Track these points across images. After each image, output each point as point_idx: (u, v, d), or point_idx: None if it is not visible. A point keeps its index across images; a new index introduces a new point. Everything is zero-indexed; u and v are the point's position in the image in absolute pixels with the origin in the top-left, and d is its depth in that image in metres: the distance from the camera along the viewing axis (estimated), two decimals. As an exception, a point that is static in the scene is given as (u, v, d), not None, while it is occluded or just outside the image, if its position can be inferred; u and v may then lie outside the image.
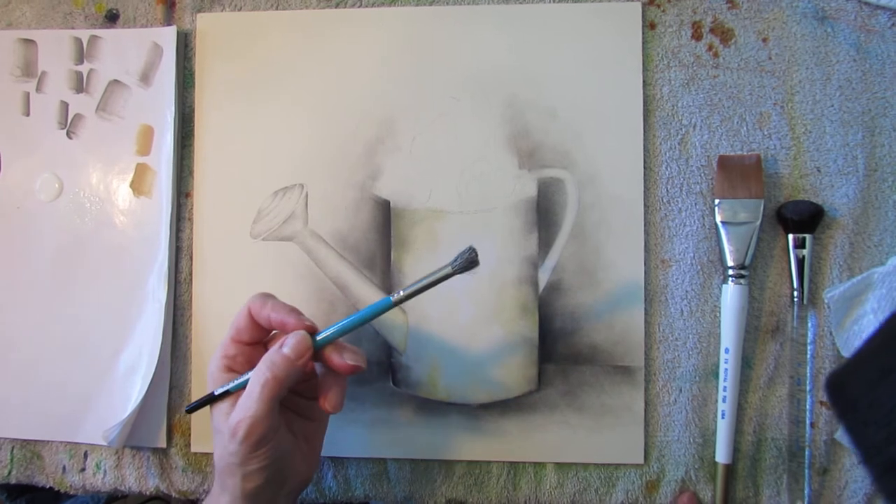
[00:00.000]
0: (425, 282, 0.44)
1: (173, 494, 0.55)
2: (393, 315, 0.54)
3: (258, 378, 0.42)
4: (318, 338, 0.44)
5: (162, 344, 0.53)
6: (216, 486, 0.45)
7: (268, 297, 0.45)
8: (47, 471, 0.56)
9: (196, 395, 0.54)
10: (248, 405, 0.41)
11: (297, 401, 0.47)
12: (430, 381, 0.53)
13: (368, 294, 0.54)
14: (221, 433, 0.43)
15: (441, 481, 0.53)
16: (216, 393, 0.44)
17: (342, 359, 0.43)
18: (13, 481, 0.56)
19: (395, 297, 0.44)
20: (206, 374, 0.55)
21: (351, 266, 0.54)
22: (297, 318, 0.44)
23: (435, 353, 0.53)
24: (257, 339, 0.46)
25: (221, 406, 0.44)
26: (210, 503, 0.46)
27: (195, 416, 0.54)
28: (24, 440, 0.56)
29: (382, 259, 0.54)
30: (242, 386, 0.43)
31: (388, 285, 0.54)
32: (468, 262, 0.44)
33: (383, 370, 0.54)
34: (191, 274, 0.55)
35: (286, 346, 0.42)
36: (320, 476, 0.54)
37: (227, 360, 0.45)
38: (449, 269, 0.44)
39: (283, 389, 0.42)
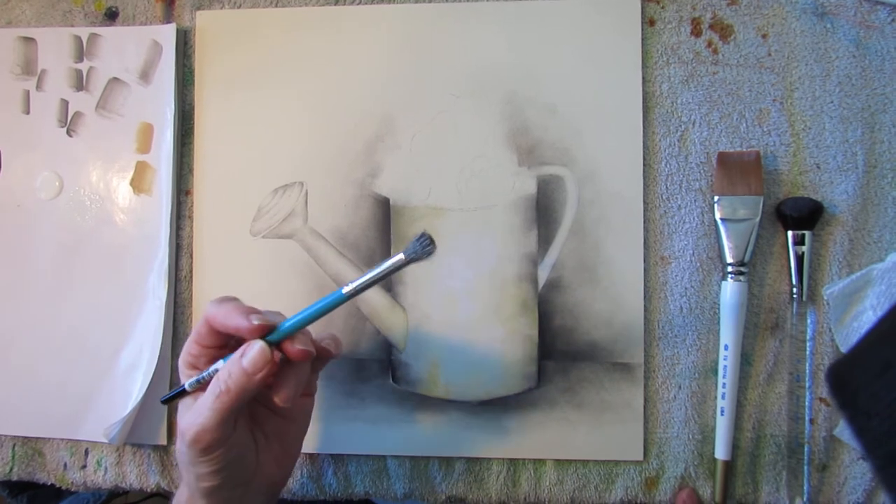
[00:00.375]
0: (378, 272, 0.41)
1: (174, 491, 0.55)
2: (392, 313, 0.54)
3: (214, 388, 0.40)
4: (270, 338, 0.42)
5: (162, 342, 0.54)
6: (182, 478, 0.45)
7: (223, 302, 0.42)
8: (48, 468, 0.56)
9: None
10: (200, 412, 0.40)
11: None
12: (430, 379, 0.53)
13: (368, 291, 0.54)
14: None
15: (441, 478, 0.53)
16: (186, 387, 0.43)
17: (292, 346, 0.41)
18: (15, 478, 0.56)
19: (346, 289, 0.42)
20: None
21: (351, 263, 0.54)
22: (248, 321, 0.41)
23: (435, 350, 0.53)
24: (218, 343, 0.44)
25: (186, 400, 0.44)
26: (179, 493, 0.46)
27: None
28: (26, 437, 0.56)
29: (382, 256, 0.54)
30: (208, 380, 0.42)
31: (387, 282, 0.54)
32: (423, 249, 0.41)
33: (383, 368, 0.54)
34: (191, 272, 0.55)
35: (245, 358, 0.40)
36: (320, 473, 0.54)
37: (192, 359, 0.44)
38: (402, 257, 0.41)
39: (237, 402, 0.40)
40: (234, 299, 0.43)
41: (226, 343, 0.44)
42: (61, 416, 0.55)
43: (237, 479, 0.43)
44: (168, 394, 0.46)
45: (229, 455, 0.41)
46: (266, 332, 0.41)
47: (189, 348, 0.44)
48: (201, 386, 0.43)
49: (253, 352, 0.40)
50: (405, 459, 0.54)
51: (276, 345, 0.42)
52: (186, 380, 0.44)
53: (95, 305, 0.55)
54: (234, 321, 0.41)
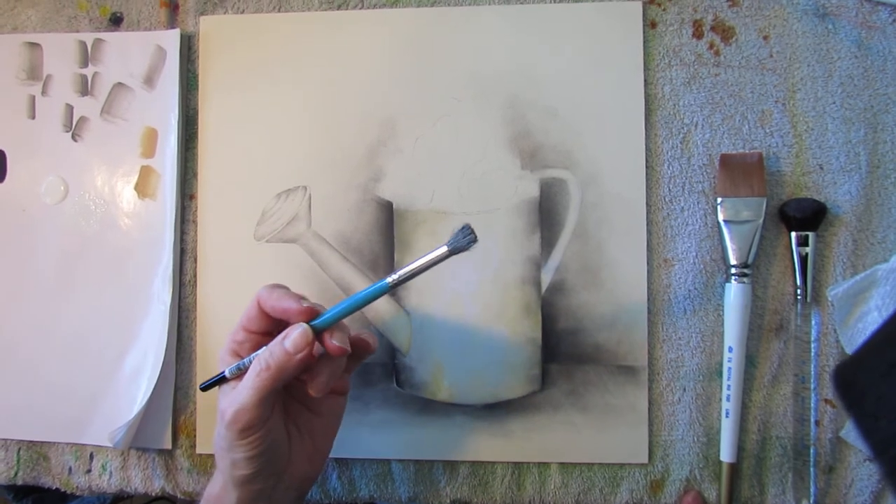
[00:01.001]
0: (422, 263, 0.42)
1: (178, 496, 0.55)
2: (396, 317, 0.54)
3: (254, 367, 0.42)
4: (314, 323, 0.42)
5: (167, 346, 0.54)
6: (217, 467, 0.45)
7: (276, 287, 0.44)
8: (53, 472, 0.56)
9: (200, 397, 0.55)
10: (240, 391, 0.41)
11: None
12: (434, 382, 0.53)
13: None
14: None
15: (445, 482, 0.53)
16: (226, 374, 0.44)
17: (331, 340, 0.42)
18: (20, 482, 0.56)
19: (390, 280, 0.42)
20: (210, 376, 0.55)
21: (354, 268, 0.54)
22: (298, 303, 0.42)
23: (438, 354, 0.53)
24: (265, 329, 0.45)
25: (224, 387, 0.44)
26: (211, 483, 0.46)
27: (200, 417, 0.55)
28: (31, 441, 0.56)
29: (385, 260, 0.54)
30: (248, 367, 0.43)
31: (391, 286, 0.54)
32: (465, 239, 0.41)
33: (387, 372, 0.54)
34: (195, 276, 0.55)
35: (287, 339, 0.42)
36: (325, 477, 0.54)
37: (235, 346, 0.45)
38: (445, 250, 0.41)
39: (277, 382, 0.41)
40: (285, 286, 0.45)
41: (271, 331, 0.45)
42: (66, 421, 0.55)
43: (271, 468, 0.44)
44: (208, 380, 0.46)
45: (266, 440, 0.42)
46: (313, 315, 0.43)
47: (234, 335, 0.45)
48: (241, 373, 0.43)
49: (295, 333, 0.42)
50: (409, 463, 0.54)
51: (317, 333, 0.42)
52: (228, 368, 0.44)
53: (100, 310, 0.55)
54: (284, 303, 0.43)
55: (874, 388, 0.36)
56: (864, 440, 0.36)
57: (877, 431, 0.35)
